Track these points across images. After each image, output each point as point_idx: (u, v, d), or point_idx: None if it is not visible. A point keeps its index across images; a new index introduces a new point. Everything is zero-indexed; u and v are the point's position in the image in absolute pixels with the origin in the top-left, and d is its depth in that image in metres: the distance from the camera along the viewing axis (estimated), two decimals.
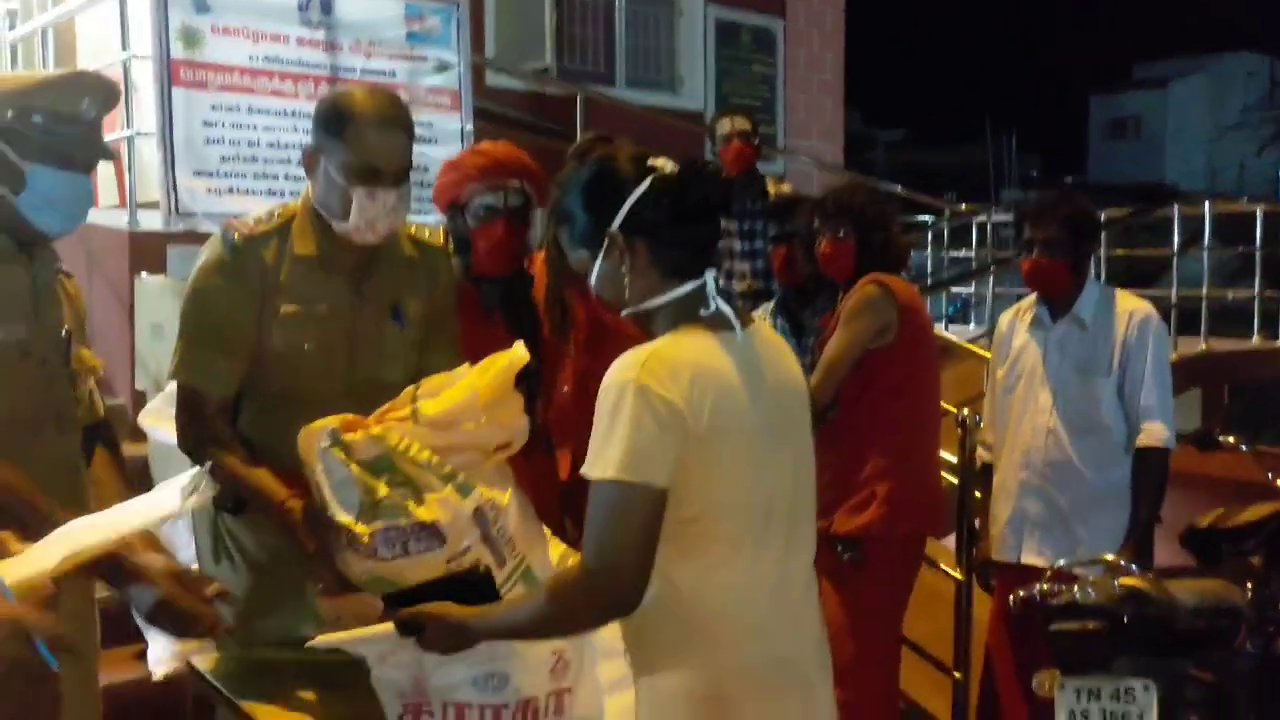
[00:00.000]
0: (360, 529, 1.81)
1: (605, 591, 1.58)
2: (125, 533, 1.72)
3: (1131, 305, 3.15)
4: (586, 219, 1.73)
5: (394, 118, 2.18)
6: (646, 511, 1.57)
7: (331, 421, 1.87)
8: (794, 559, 1.74)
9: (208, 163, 4.33)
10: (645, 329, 1.73)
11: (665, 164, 1.73)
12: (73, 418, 2.17)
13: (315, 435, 1.87)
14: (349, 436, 1.85)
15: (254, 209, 4.27)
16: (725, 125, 4.72)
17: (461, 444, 1.88)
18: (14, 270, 2.03)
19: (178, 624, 1.83)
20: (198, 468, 1.86)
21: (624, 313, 1.74)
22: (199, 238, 4.18)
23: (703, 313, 1.68)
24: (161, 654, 3.23)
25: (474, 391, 1.89)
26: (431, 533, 1.81)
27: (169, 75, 4.22)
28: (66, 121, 1.99)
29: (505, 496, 1.89)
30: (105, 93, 2.06)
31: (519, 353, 1.96)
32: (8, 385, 2.01)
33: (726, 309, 1.71)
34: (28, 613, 1.50)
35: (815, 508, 1.83)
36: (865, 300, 3.04)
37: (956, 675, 3.59)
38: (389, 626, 1.73)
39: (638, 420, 1.56)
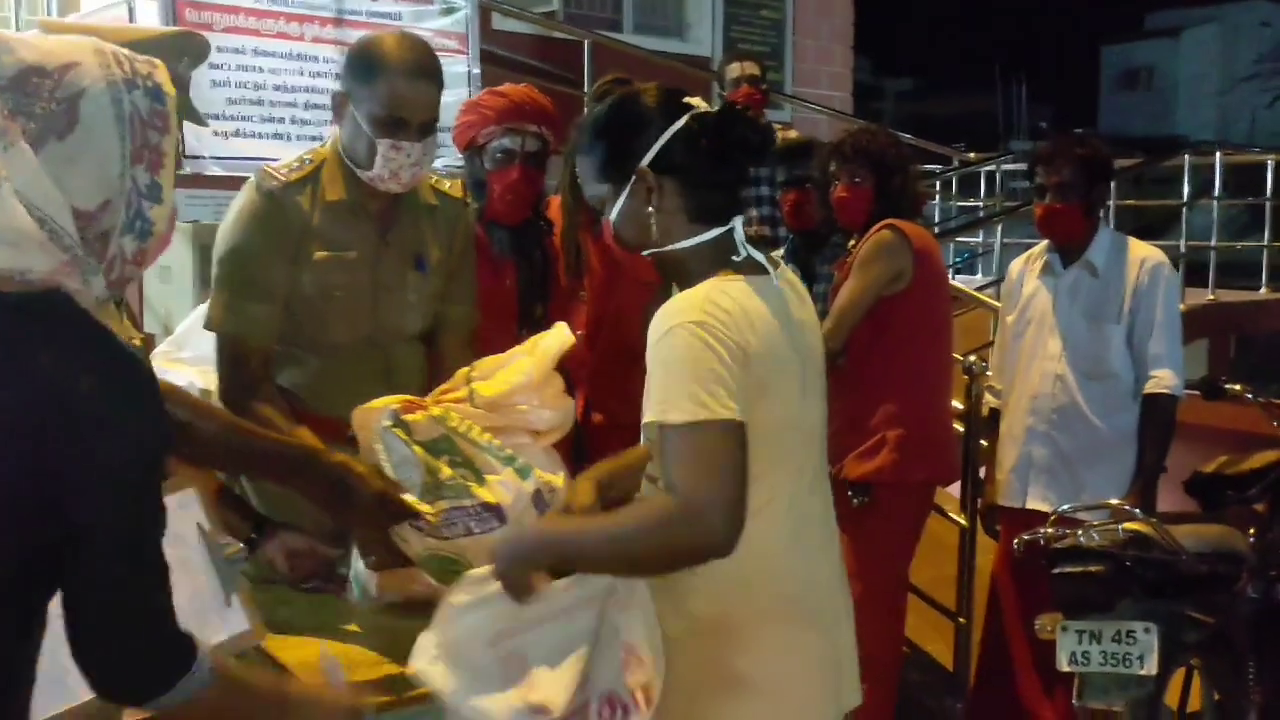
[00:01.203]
0: (425, 508, 1.83)
1: (707, 531, 1.50)
2: None
3: (1144, 253, 3.13)
4: (613, 152, 1.66)
5: (424, 69, 2.14)
6: (732, 446, 1.52)
7: (391, 402, 1.87)
8: (824, 495, 1.76)
9: (214, 105, 4.28)
10: (668, 272, 1.69)
11: (700, 102, 1.68)
12: None
13: (374, 414, 1.87)
14: (409, 417, 1.84)
15: (260, 152, 4.29)
16: (734, 70, 4.67)
17: (515, 425, 1.90)
18: None
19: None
20: None
21: (646, 253, 1.69)
22: (206, 180, 4.18)
23: (734, 259, 1.65)
24: None
25: (527, 374, 1.90)
26: (494, 513, 1.82)
27: (174, 15, 4.16)
28: None
29: (560, 479, 1.91)
30: (202, 52, 2.03)
31: (564, 335, 1.95)
32: None
33: (759, 256, 1.68)
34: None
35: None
36: (880, 246, 3.02)
37: (960, 620, 3.63)
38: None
39: (704, 359, 1.52)
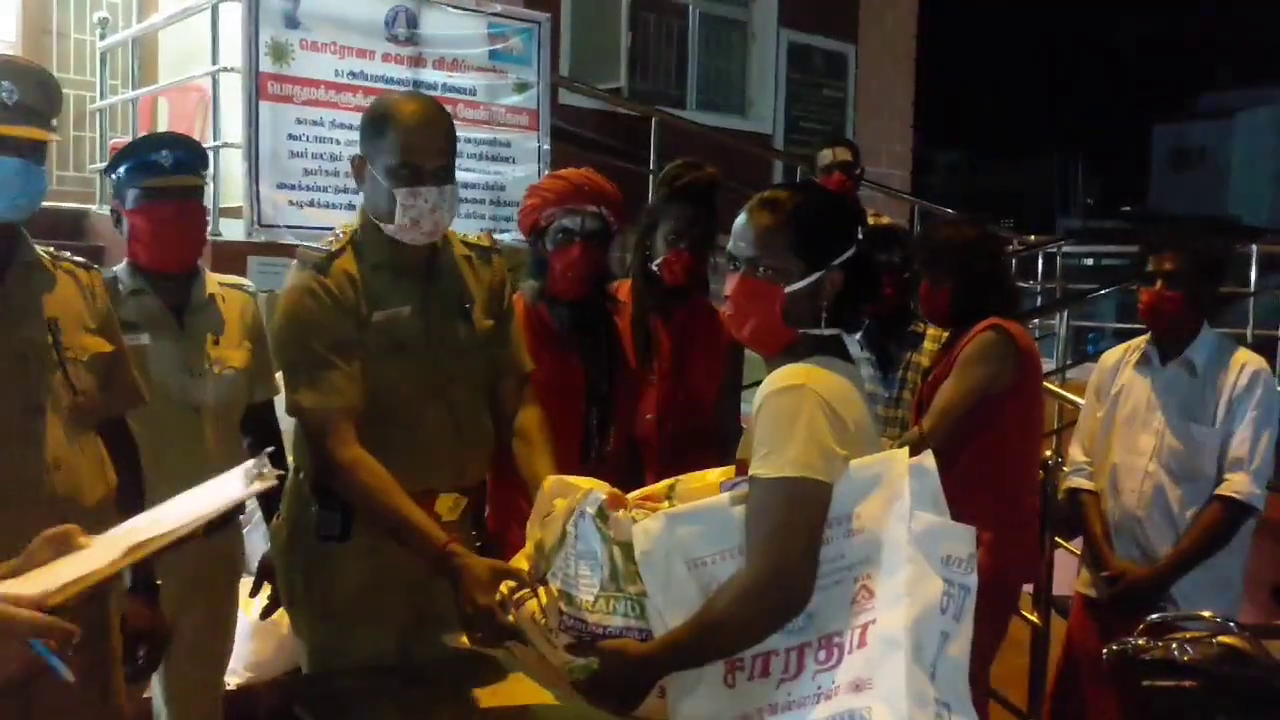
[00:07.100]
0: (589, 612, 1.78)
1: (780, 590, 1.62)
2: (184, 527, 1.54)
3: (1246, 358, 3.03)
4: (819, 239, 1.79)
5: (433, 119, 2.23)
6: (819, 509, 1.64)
7: (598, 487, 1.85)
8: None
9: (290, 175, 4.37)
10: (780, 347, 1.81)
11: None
12: (67, 409, 2.07)
13: (577, 494, 1.84)
14: (616, 514, 1.81)
15: (334, 221, 4.34)
16: (827, 156, 4.65)
17: None
18: None
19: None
20: (260, 456, 1.73)
21: (801, 332, 1.79)
22: (280, 249, 4.24)
23: (837, 346, 1.82)
24: (235, 665, 3.25)
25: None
26: (648, 638, 1.78)
27: (257, 89, 4.27)
28: None
29: None
30: (25, 76, 2.02)
31: None
32: None
33: (856, 349, 1.84)
34: (18, 613, 1.35)
35: None
36: (985, 347, 2.94)
37: None
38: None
39: (815, 422, 1.65)
